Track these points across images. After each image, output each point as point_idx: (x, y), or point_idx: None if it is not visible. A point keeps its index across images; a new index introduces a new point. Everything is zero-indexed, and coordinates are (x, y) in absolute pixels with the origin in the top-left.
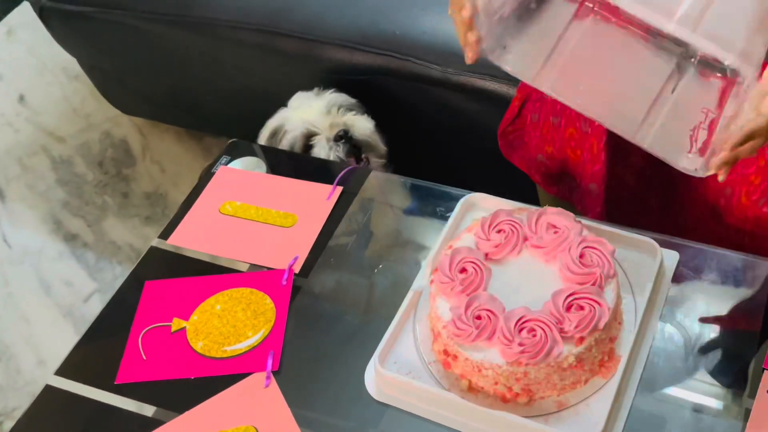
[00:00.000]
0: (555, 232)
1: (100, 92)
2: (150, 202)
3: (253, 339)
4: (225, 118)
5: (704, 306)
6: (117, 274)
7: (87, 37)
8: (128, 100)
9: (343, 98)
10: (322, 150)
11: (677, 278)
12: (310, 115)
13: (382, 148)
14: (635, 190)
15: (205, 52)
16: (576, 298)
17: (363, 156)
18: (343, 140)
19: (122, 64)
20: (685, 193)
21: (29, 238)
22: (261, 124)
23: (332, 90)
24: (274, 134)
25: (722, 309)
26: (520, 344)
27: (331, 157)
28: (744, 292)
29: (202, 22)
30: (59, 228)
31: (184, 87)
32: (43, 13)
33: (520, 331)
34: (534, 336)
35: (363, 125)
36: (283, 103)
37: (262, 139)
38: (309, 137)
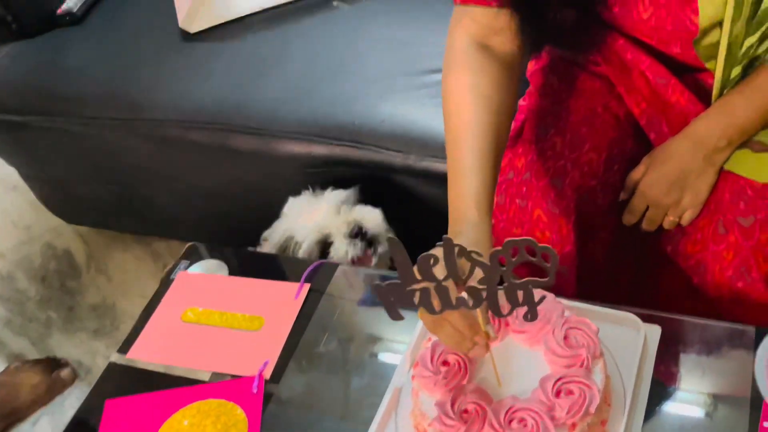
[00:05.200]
0: None
1: (41, 202)
2: (97, 315)
3: None
4: (176, 220)
5: (691, 378)
6: (66, 394)
7: (29, 147)
8: (71, 209)
9: (345, 194)
10: (340, 250)
11: (662, 352)
12: (320, 218)
13: (385, 235)
14: (606, 268)
15: (154, 155)
16: (565, 382)
17: (372, 248)
18: (359, 236)
19: (66, 172)
20: (657, 269)
21: None
22: (215, 224)
23: (330, 188)
24: (284, 249)
25: (710, 379)
26: None
27: (349, 255)
28: (730, 361)
29: (152, 125)
30: (2, 348)
31: (131, 191)
32: None
33: (510, 422)
34: (525, 426)
35: (373, 217)
36: (238, 201)
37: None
38: (325, 241)
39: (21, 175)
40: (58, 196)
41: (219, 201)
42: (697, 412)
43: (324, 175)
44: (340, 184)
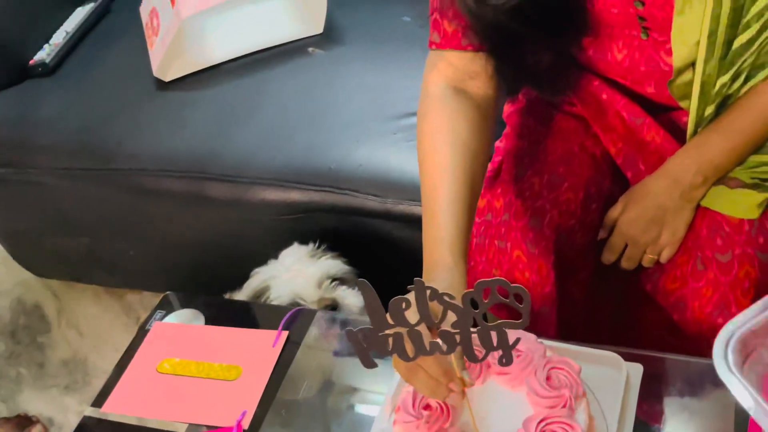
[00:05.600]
0: (518, 356)
1: (11, 256)
2: (68, 370)
3: None
4: (149, 271)
5: (675, 416)
6: None
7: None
8: (42, 262)
9: (337, 267)
10: None
11: (644, 390)
12: (300, 285)
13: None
14: (586, 307)
15: (128, 205)
16: (548, 423)
17: None
18: None
19: (37, 225)
20: (638, 307)
21: None
22: (189, 274)
23: (328, 256)
24: (259, 296)
25: (692, 417)
26: None
27: None
28: (712, 397)
29: (126, 174)
30: None
31: (104, 243)
32: None
33: None
34: None
35: (352, 302)
36: (212, 250)
37: (243, 295)
38: (296, 305)
39: None
40: (29, 249)
41: (193, 250)
42: None
43: (301, 221)
44: (314, 231)
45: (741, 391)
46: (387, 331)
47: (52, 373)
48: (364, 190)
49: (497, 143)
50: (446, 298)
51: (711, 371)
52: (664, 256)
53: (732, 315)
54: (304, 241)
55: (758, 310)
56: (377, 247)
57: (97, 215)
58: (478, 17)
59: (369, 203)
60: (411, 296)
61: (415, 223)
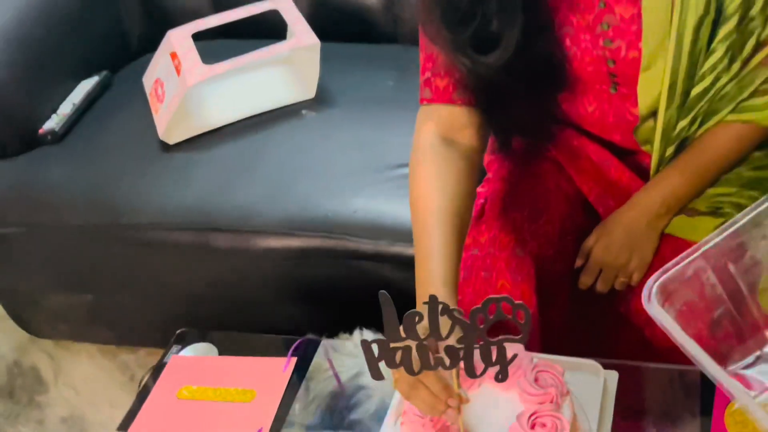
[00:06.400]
0: None
1: (10, 316)
2: (67, 427)
3: None
4: (151, 325)
5: (646, 415)
6: None
7: (6, 260)
8: (41, 323)
9: None
10: None
11: (620, 395)
12: None
13: None
14: (565, 329)
15: (134, 259)
16: (538, 416)
17: None
18: None
19: (41, 284)
20: (613, 327)
21: None
22: (192, 324)
23: None
24: None
25: (663, 418)
26: None
27: None
28: (681, 400)
29: (134, 229)
30: None
31: (107, 299)
32: None
33: None
34: None
35: None
36: (212, 301)
37: None
38: None
39: None
40: (29, 310)
41: (196, 300)
42: None
43: (299, 265)
44: (308, 275)
45: (670, 323)
46: (396, 344)
47: (52, 430)
48: (359, 233)
49: (479, 188)
50: (456, 314)
51: (679, 376)
52: (635, 279)
53: (698, 329)
54: (297, 284)
55: (674, 263)
56: (371, 288)
57: (103, 271)
58: (472, 73)
59: (363, 246)
60: (424, 309)
61: (406, 264)
